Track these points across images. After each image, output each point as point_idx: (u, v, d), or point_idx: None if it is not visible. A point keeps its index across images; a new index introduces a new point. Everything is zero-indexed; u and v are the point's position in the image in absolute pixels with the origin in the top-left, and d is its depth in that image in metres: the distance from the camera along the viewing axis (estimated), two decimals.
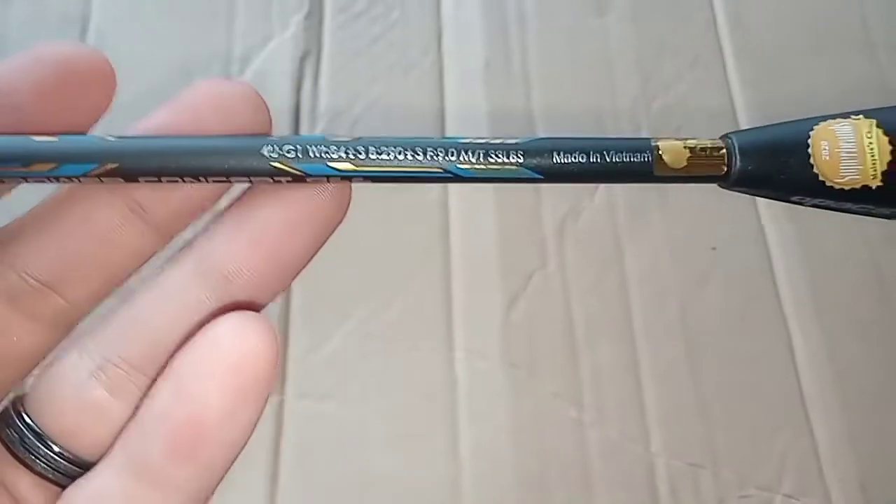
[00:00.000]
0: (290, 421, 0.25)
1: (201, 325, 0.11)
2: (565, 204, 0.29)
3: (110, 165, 0.11)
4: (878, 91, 0.32)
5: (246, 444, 0.11)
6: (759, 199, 0.29)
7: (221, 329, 0.11)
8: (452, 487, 0.24)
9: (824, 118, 0.13)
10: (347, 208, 0.12)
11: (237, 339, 0.11)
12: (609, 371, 0.26)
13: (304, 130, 0.29)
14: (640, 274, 0.28)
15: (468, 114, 0.31)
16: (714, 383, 0.26)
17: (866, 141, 0.13)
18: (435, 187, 0.29)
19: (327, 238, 0.12)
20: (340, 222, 0.12)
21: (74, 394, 0.12)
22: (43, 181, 0.11)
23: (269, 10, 0.31)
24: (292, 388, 0.25)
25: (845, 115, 0.13)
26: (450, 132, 0.30)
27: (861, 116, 0.13)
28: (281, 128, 0.30)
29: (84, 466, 0.12)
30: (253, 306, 0.12)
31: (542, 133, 0.31)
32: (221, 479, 0.11)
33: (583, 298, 0.27)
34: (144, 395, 0.12)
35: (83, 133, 0.11)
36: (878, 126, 0.13)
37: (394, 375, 0.26)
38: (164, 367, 0.12)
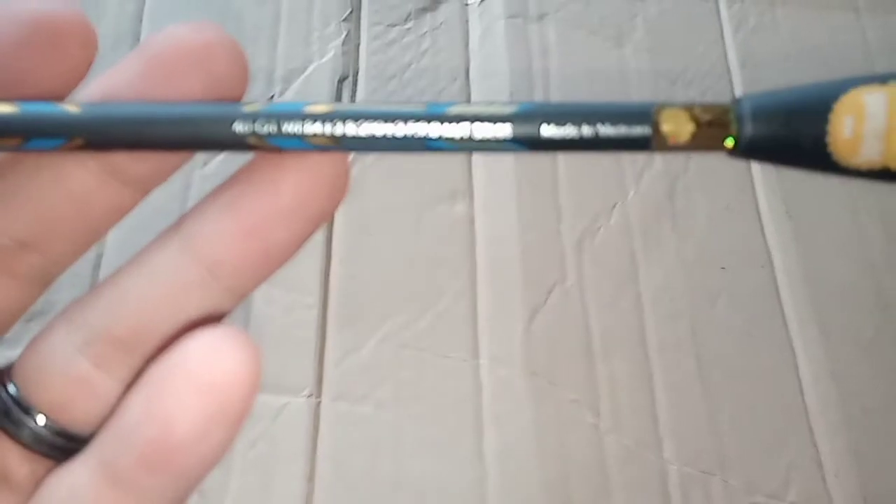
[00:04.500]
0: (327, 422, 0.26)
1: (188, 309, 0.11)
2: (583, 222, 0.31)
3: (78, 141, 0.11)
4: None
5: (224, 454, 0.11)
6: (767, 225, 0.31)
7: (194, 347, 0.11)
8: (478, 489, 0.26)
9: (857, 80, 0.11)
10: (342, 198, 0.12)
11: (210, 359, 0.10)
12: (624, 381, 0.28)
13: None
14: (654, 291, 0.30)
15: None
16: (723, 396, 0.28)
17: None
18: (460, 202, 0.31)
19: (322, 223, 0.12)
20: (335, 211, 0.12)
21: (61, 367, 0.12)
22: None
23: (310, 37, 0.33)
24: (329, 390, 0.27)
25: (884, 79, 0.11)
26: (477, 157, 0.32)
27: None
28: None
29: (71, 439, 0.12)
30: (218, 316, 0.12)
31: (561, 159, 0.33)
32: (198, 484, 0.11)
33: (600, 312, 0.29)
34: (135, 374, 0.12)
35: (59, 99, 0.11)
36: None
37: (424, 381, 0.27)
38: (152, 348, 0.12)
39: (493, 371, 0.28)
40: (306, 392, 0.27)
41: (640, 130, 0.11)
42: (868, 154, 0.11)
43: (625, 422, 0.27)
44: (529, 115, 0.11)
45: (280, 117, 0.11)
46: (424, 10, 0.35)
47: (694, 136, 0.11)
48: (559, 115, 0.11)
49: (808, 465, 0.27)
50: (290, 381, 0.27)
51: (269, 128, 0.11)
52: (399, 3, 0.35)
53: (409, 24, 0.34)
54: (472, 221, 0.30)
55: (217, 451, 0.11)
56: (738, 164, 0.33)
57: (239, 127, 0.11)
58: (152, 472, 0.10)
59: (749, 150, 0.11)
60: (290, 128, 0.11)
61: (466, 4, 0.35)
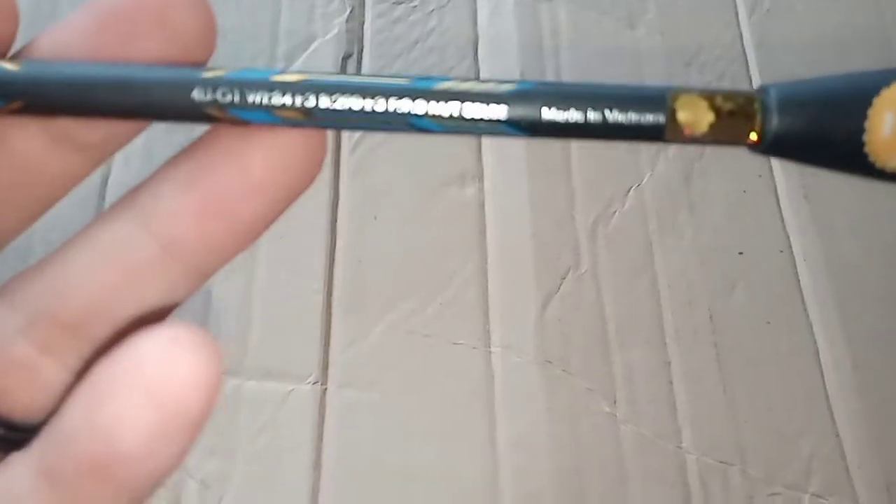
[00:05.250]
0: (333, 409, 0.25)
1: (143, 292, 0.10)
2: (597, 207, 0.30)
3: (15, 104, 0.10)
4: None
5: (178, 466, 0.10)
6: (785, 207, 0.30)
7: (146, 347, 0.09)
8: (490, 478, 0.25)
9: None
10: (317, 173, 0.11)
11: (163, 363, 0.09)
12: (641, 369, 0.27)
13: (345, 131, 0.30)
14: (670, 277, 0.29)
15: None
16: (742, 384, 0.27)
17: None
18: (469, 185, 0.30)
19: (293, 201, 0.11)
20: (309, 186, 0.11)
21: (2, 349, 0.10)
22: None
23: (313, 13, 0.32)
24: (335, 377, 0.26)
25: None
26: (484, 139, 0.31)
27: None
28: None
29: (14, 428, 0.11)
30: (168, 310, 0.11)
31: (574, 145, 0.32)
32: (151, 494, 0.10)
33: (615, 298, 0.28)
34: (84, 362, 0.11)
35: None
36: None
37: (433, 369, 0.26)
38: (103, 334, 0.11)
39: (506, 359, 0.27)
40: (312, 379, 0.26)
41: (653, 118, 0.10)
42: None
43: (642, 411, 0.26)
44: (529, 95, 0.10)
45: (244, 86, 0.10)
46: None
47: (713, 128, 0.10)
48: (562, 96, 0.10)
49: (831, 455, 0.26)
50: (295, 367, 0.26)
51: (233, 97, 0.10)
52: None
53: (416, 2, 0.33)
54: (482, 205, 0.29)
55: (167, 466, 0.10)
56: None
57: (198, 95, 0.10)
58: (94, 482, 0.09)
59: (774, 145, 0.10)
60: (256, 98, 0.10)
61: None
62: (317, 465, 0.24)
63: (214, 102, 0.10)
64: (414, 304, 0.27)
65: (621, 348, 0.27)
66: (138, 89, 0.10)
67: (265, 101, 0.10)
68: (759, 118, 0.10)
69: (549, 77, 0.33)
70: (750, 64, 0.34)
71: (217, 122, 0.10)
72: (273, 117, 0.10)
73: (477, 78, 0.11)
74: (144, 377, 0.09)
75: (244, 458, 0.24)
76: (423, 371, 0.26)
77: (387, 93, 0.10)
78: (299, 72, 0.10)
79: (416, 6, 0.33)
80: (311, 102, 0.10)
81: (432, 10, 0.33)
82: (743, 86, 0.33)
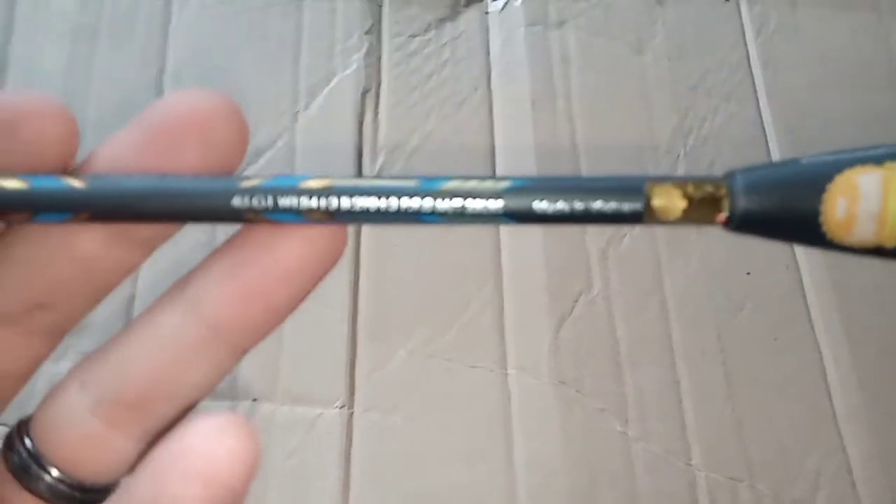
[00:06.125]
0: (359, 432, 0.27)
1: (194, 369, 0.12)
2: (608, 229, 0.31)
3: (84, 215, 0.11)
4: None
5: None
6: None
7: (197, 433, 0.11)
8: (508, 498, 0.26)
9: (852, 160, 0.11)
10: (339, 258, 0.12)
11: (212, 447, 0.11)
12: (651, 389, 0.28)
13: (367, 161, 0.32)
14: (679, 297, 0.30)
15: (517, 146, 0.33)
16: (750, 402, 0.28)
17: (894, 200, 0.11)
18: None
19: (319, 282, 0.12)
20: (332, 269, 0.12)
21: (74, 426, 0.12)
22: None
23: (333, 49, 0.34)
24: (360, 401, 0.27)
25: (879, 159, 0.11)
26: (499, 164, 0.32)
27: None
28: (345, 160, 0.32)
29: (87, 490, 0.12)
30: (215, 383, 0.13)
31: (584, 165, 0.33)
32: None
33: (626, 320, 0.29)
34: (147, 433, 0.12)
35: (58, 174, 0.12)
36: None
37: (453, 392, 0.28)
38: (162, 408, 0.12)
39: (521, 381, 0.28)
40: (339, 403, 0.27)
41: (631, 206, 0.11)
42: (862, 234, 0.11)
43: (652, 429, 0.27)
44: (522, 191, 0.11)
45: (277, 193, 0.11)
46: (444, 19, 0.35)
47: (685, 212, 0.11)
48: (551, 190, 0.11)
49: (837, 470, 0.27)
50: (322, 393, 0.27)
51: (267, 203, 0.11)
52: (419, 14, 0.35)
53: (430, 35, 0.35)
54: (496, 231, 0.31)
55: None
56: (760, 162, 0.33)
57: (237, 202, 0.11)
58: None
59: (741, 226, 0.11)
60: (287, 202, 0.11)
61: (486, 13, 0.35)
62: (345, 485, 0.26)
63: (251, 209, 0.11)
64: (433, 329, 0.29)
65: (632, 368, 0.28)
66: (186, 199, 0.11)
67: (294, 205, 0.11)
68: (726, 203, 0.11)
69: (560, 103, 0.34)
70: (757, 84, 0.35)
71: (252, 223, 0.12)
72: (301, 218, 0.11)
73: (477, 177, 0.12)
74: (195, 462, 0.11)
75: (277, 480, 0.26)
76: (443, 394, 0.27)
77: (399, 193, 0.11)
78: (324, 177, 0.12)
79: (430, 38, 0.35)
80: (333, 205, 0.11)
81: (446, 43, 0.34)
82: (750, 106, 0.34)
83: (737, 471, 0.27)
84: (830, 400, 0.28)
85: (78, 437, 0.12)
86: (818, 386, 0.28)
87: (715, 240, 0.31)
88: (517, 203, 0.11)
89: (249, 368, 0.27)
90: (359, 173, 0.32)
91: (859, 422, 0.28)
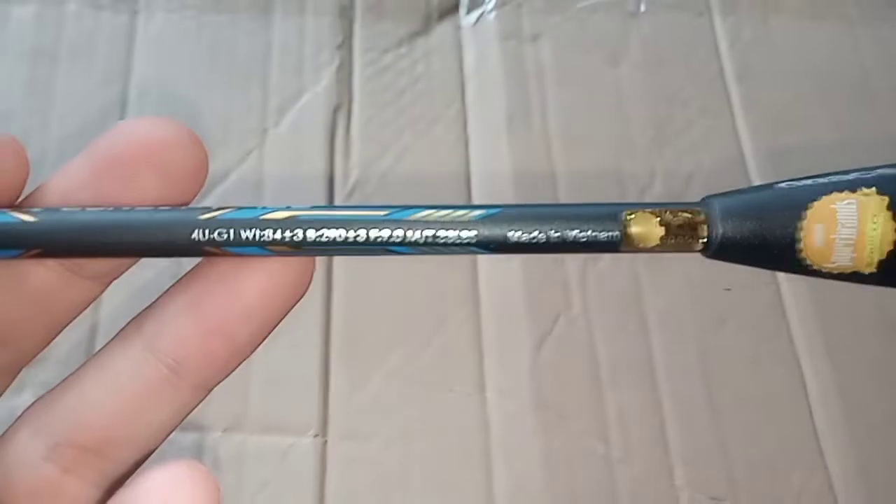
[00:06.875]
0: (334, 462, 0.26)
1: (154, 410, 0.12)
2: None
3: (35, 251, 0.11)
4: (877, 137, 0.33)
5: None
6: None
7: (157, 483, 0.11)
8: None
9: (828, 187, 0.11)
10: (305, 291, 0.12)
11: (173, 497, 0.11)
12: (633, 410, 0.28)
13: (339, 180, 0.31)
14: (660, 316, 0.29)
15: (492, 162, 0.32)
16: (732, 420, 0.28)
17: (870, 227, 0.11)
18: None
19: (284, 316, 0.12)
20: (297, 302, 0.12)
21: (28, 474, 0.12)
22: None
23: (303, 65, 0.33)
24: (335, 430, 0.26)
25: (853, 186, 0.11)
26: (475, 182, 0.32)
27: (873, 190, 0.11)
28: (316, 178, 0.31)
29: None
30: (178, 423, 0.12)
31: (561, 180, 0.32)
32: None
33: (606, 340, 0.29)
34: (107, 478, 0.12)
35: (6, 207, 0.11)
36: (889, 207, 0.11)
37: (430, 417, 0.27)
38: (123, 451, 0.12)
39: (501, 405, 0.27)
40: (312, 432, 0.26)
41: (608, 234, 0.11)
42: (839, 260, 0.11)
43: (635, 451, 0.27)
44: (496, 220, 0.11)
45: (238, 225, 0.11)
46: (417, 34, 0.35)
47: (663, 240, 0.11)
48: (526, 219, 0.11)
49: (820, 488, 0.27)
50: (295, 421, 0.26)
51: (228, 236, 0.11)
52: (391, 28, 0.34)
53: (403, 49, 0.34)
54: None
55: None
56: (742, 177, 0.33)
57: (197, 235, 0.11)
58: None
59: (719, 252, 0.11)
60: (248, 235, 0.11)
61: (460, 27, 0.35)
62: None
63: (212, 241, 0.11)
64: (409, 351, 0.28)
65: (613, 389, 0.28)
66: (143, 232, 0.11)
67: (257, 237, 0.11)
68: (704, 230, 0.11)
69: (536, 117, 0.33)
70: (731, 96, 0.35)
71: (213, 256, 0.11)
72: (264, 250, 0.11)
73: (449, 206, 0.11)
74: None
75: None
76: (420, 420, 0.27)
77: (367, 224, 0.11)
78: (287, 209, 0.11)
79: (403, 53, 0.34)
80: (298, 237, 0.11)
81: (419, 58, 0.34)
82: (726, 119, 0.34)
83: (720, 490, 0.27)
84: (812, 417, 0.28)
85: (31, 484, 0.12)
86: (800, 402, 0.28)
87: (694, 257, 0.30)
88: (491, 232, 0.11)
89: (217, 396, 0.26)
90: (331, 191, 0.31)
91: (840, 437, 0.28)
